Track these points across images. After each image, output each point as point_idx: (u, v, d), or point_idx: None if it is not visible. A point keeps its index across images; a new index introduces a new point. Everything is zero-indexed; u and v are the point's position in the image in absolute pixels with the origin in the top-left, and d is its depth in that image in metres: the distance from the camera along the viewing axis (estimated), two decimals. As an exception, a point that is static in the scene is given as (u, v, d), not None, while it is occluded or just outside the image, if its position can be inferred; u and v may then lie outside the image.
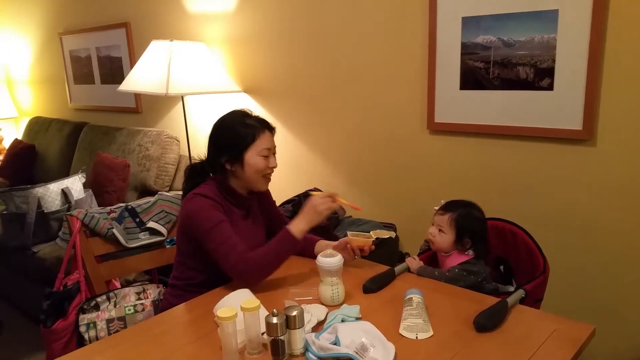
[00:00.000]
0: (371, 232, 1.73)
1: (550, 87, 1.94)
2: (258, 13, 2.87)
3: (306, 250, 1.84)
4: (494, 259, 1.77)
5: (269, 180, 1.77)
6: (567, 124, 1.94)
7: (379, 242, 1.76)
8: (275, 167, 1.75)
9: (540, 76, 1.96)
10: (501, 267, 1.78)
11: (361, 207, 1.80)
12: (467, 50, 2.11)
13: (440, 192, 2.23)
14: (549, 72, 1.93)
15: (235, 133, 1.69)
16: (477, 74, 2.11)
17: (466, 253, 1.67)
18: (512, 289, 1.65)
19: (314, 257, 1.76)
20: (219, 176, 1.74)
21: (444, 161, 2.31)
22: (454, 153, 2.27)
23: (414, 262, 1.72)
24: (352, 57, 2.53)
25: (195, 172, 1.78)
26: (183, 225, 1.72)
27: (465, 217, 1.67)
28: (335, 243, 1.77)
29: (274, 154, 1.75)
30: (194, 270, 1.72)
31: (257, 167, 1.69)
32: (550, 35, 1.91)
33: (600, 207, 1.94)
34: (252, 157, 1.68)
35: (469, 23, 2.09)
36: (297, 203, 2.54)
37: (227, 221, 1.65)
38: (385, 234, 1.74)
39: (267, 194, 1.91)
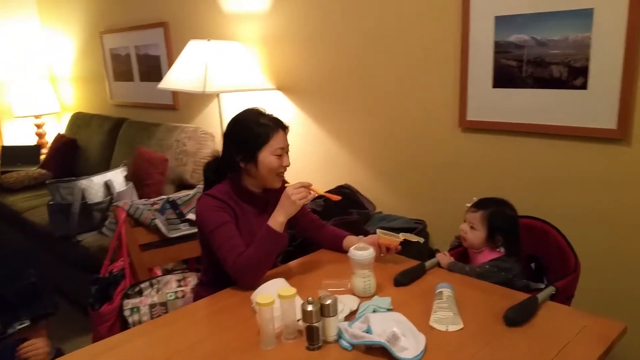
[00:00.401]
0: (400, 234, 1.76)
1: (583, 86, 1.95)
2: (292, 12, 2.94)
3: (334, 245, 1.88)
4: (526, 257, 1.79)
5: (282, 178, 1.78)
6: (601, 123, 1.94)
7: (405, 243, 1.78)
8: (288, 165, 1.75)
9: (573, 75, 1.96)
10: (532, 265, 1.80)
11: (339, 197, 1.80)
12: (500, 48, 2.13)
13: (471, 190, 2.25)
14: (583, 71, 1.94)
15: (250, 132, 1.71)
16: (510, 72, 2.13)
17: (497, 250, 1.70)
18: (543, 286, 1.67)
19: (343, 251, 1.82)
20: (234, 174, 1.77)
21: (476, 159, 2.33)
22: (486, 151, 2.29)
23: (444, 257, 1.76)
24: (384, 55, 2.56)
25: (211, 170, 1.82)
26: (197, 223, 1.77)
27: (497, 215, 1.70)
28: (365, 238, 1.81)
29: (287, 152, 1.76)
30: (217, 266, 1.72)
31: (270, 166, 1.70)
32: (584, 34, 1.91)
33: (634, 206, 1.94)
34: (266, 156, 1.69)
35: (502, 22, 2.10)
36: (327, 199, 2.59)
37: (231, 222, 1.67)
38: (413, 238, 1.76)
39: None
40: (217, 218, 1.66)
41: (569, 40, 1.95)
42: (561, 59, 1.98)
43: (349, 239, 1.87)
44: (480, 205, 1.74)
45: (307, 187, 1.67)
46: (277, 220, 1.64)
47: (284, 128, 1.75)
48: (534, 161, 2.16)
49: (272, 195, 1.79)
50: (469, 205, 1.78)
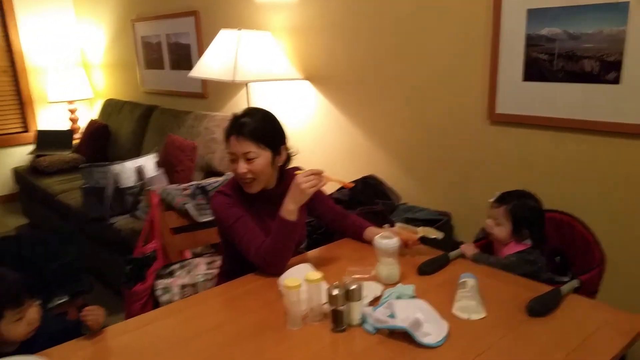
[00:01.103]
0: (420, 229, 1.77)
1: (616, 81, 1.93)
2: (322, 2, 2.96)
3: (356, 235, 1.90)
4: (550, 250, 1.79)
5: (246, 184, 1.72)
6: (633, 119, 1.92)
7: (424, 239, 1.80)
8: (242, 173, 1.68)
9: (606, 70, 1.95)
10: (557, 258, 1.80)
11: (352, 184, 1.73)
12: (532, 42, 2.12)
13: (498, 183, 2.25)
14: (616, 66, 1.92)
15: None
16: (540, 66, 2.12)
17: (523, 242, 1.70)
18: (567, 279, 1.67)
19: (364, 241, 1.84)
20: None
21: (504, 152, 2.33)
22: (514, 144, 2.29)
23: (469, 248, 1.77)
24: (414, 47, 2.57)
25: None
26: (215, 220, 1.80)
27: (521, 208, 1.70)
28: (367, 232, 1.84)
29: (250, 161, 1.67)
30: (235, 257, 1.76)
31: (231, 169, 1.74)
32: (619, 28, 1.89)
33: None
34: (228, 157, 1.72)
35: (534, 15, 2.09)
36: (353, 188, 2.61)
37: (246, 216, 1.70)
38: (432, 234, 1.76)
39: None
40: (232, 214, 1.70)
41: (602, 34, 1.93)
42: (594, 53, 1.96)
43: (370, 230, 1.87)
44: (502, 200, 1.74)
45: (317, 174, 1.65)
46: (288, 208, 1.64)
47: (239, 133, 1.67)
48: (563, 156, 2.15)
49: (273, 189, 1.79)
50: (491, 200, 1.78)
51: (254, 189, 1.73)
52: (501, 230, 1.71)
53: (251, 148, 1.66)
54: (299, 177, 1.64)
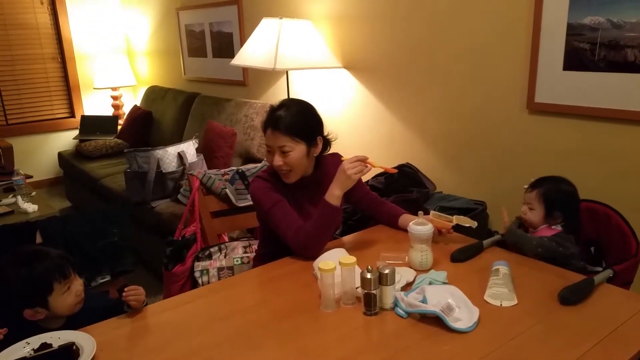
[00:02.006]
0: (454, 217, 1.78)
1: (660, 71, 1.89)
2: (363, -9, 2.97)
3: (391, 222, 1.93)
4: (586, 240, 1.78)
5: (284, 175, 1.76)
6: (676, 110, 1.88)
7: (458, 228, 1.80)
8: (279, 165, 1.73)
9: (650, 59, 1.91)
10: (592, 249, 1.79)
11: (395, 170, 1.75)
12: (573, 31, 2.09)
13: (535, 173, 2.21)
14: (661, 55, 1.88)
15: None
16: (581, 55, 2.08)
17: (553, 227, 1.70)
18: (600, 269, 1.66)
19: (398, 229, 1.87)
20: None
21: (543, 141, 2.31)
22: (554, 134, 2.27)
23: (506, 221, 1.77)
24: (453, 35, 2.56)
25: None
26: (254, 203, 1.85)
27: (553, 191, 1.70)
28: (401, 219, 1.86)
29: (285, 154, 1.71)
30: (272, 241, 1.79)
31: (268, 160, 1.78)
32: (665, 16, 1.85)
33: None
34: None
35: (577, 3, 2.06)
36: (389, 176, 2.64)
37: (284, 201, 1.74)
38: (466, 222, 1.76)
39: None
40: (271, 197, 1.75)
41: (647, 23, 1.89)
42: (638, 42, 1.92)
43: (405, 217, 1.90)
44: (536, 184, 1.74)
45: (362, 160, 1.68)
46: (334, 193, 1.68)
47: (275, 127, 1.71)
48: (602, 146, 2.12)
49: (311, 176, 1.84)
50: (526, 186, 1.79)
51: (291, 179, 1.78)
52: (534, 214, 1.71)
53: (286, 142, 1.70)
54: (345, 163, 1.68)
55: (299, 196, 1.82)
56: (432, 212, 1.83)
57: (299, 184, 1.81)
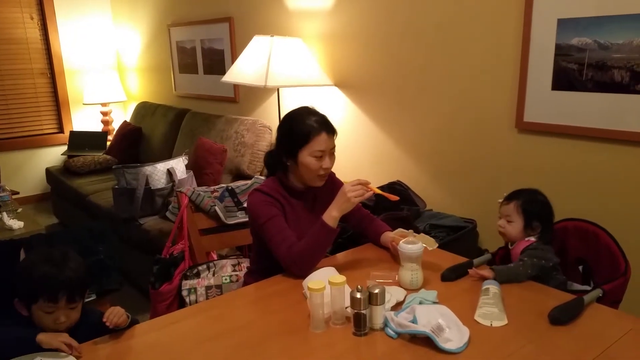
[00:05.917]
0: (418, 236, 1.69)
1: (646, 91, 1.91)
2: (354, 11, 2.99)
3: (375, 240, 1.92)
4: (574, 259, 1.79)
5: (324, 178, 1.79)
6: (663, 130, 1.90)
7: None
8: (329, 167, 1.76)
9: (636, 80, 1.93)
10: (580, 268, 1.79)
11: (397, 197, 1.75)
12: (561, 51, 2.12)
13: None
14: (647, 76, 1.90)
15: (292, 130, 1.74)
16: (569, 76, 2.11)
17: (527, 239, 1.71)
18: (589, 288, 1.66)
19: (379, 245, 1.89)
20: (280, 172, 1.82)
21: (531, 160, 2.33)
22: (542, 153, 2.28)
23: (485, 271, 1.64)
24: (442, 54, 2.58)
25: (271, 159, 1.87)
26: (249, 216, 1.85)
27: (531, 202, 1.72)
28: (382, 237, 1.87)
29: (331, 155, 1.75)
30: (266, 256, 1.77)
31: (309, 167, 1.73)
32: (650, 38, 1.88)
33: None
34: (305, 156, 1.71)
35: (564, 25, 2.09)
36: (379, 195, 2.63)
37: (280, 216, 1.73)
38: (429, 244, 1.68)
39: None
40: (268, 212, 1.74)
41: (633, 44, 1.92)
42: (624, 63, 1.95)
43: (386, 234, 1.90)
44: (512, 196, 1.76)
45: (364, 184, 1.68)
46: (332, 215, 1.68)
47: (329, 130, 1.74)
48: (590, 165, 2.13)
49: (319, 191, 1.84)
50: (500, 200, 1.79)
51: (324, 181, 1.81)
52: (513, 226, 1.72)
53: (335, 143, 1.77)
54: (347, 186, 1.68)
55: (300, 205, 1.83)
56: (397, 230, 1.84)
57: (299, 197, 1.82)
